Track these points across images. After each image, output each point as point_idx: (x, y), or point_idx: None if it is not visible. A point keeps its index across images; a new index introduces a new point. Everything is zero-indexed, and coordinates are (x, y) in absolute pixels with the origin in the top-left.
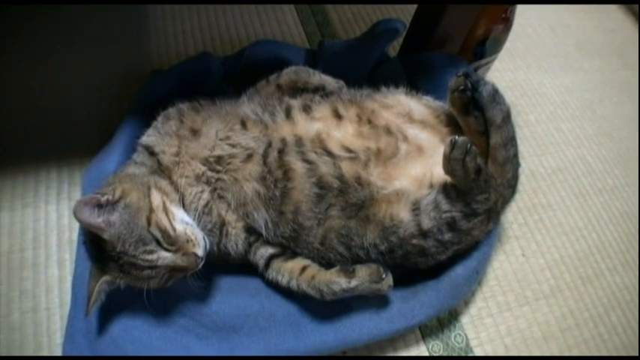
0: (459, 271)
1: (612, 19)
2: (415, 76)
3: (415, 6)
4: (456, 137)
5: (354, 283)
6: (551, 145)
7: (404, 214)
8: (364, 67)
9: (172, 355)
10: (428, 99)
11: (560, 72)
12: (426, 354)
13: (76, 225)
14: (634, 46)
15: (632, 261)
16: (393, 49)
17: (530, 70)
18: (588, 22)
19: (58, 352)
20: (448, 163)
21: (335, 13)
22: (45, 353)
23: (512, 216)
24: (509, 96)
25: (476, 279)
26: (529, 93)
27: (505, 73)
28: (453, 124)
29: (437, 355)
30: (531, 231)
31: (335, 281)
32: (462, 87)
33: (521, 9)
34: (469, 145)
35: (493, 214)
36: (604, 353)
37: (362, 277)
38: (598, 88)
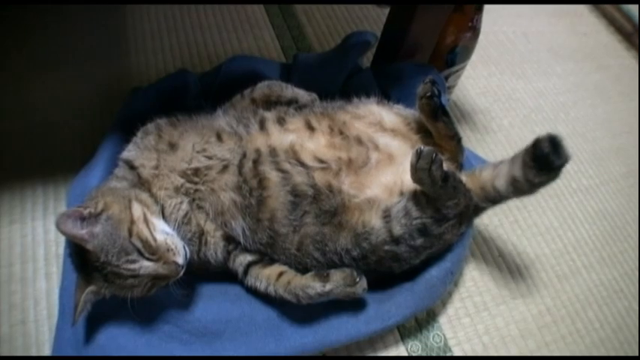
0: (434, 272)
1: (584, 23)
2: (387, 86)
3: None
4: (422, 147)
5: (328, 287)
6: None
7: (375, 221)
8: (337, 78)
9: None
10: (399, 107)
11: (534, 77)
12: (405, 354)
13: (62, 239)
14: (606, 49)
15: (608, 258)
16: (367, 59)
17: (504, 76)
18: (561, 27)
19: None
20: (415, 172)
21: (310, 27)
22: None
23: (488, 218)
24: (482, 102)
25: (451, 279)
26: (502, 98)
27: (479, 79)
28: (423, 131)
29: (416, 355)
30: (507, 232)
31: (310, 285)
32: (428, 93)
33: (493, 17)
34: (434, 155)
35: (465, 218)
36: (582, 348)
37: (336, 280)
38: (571, 92)
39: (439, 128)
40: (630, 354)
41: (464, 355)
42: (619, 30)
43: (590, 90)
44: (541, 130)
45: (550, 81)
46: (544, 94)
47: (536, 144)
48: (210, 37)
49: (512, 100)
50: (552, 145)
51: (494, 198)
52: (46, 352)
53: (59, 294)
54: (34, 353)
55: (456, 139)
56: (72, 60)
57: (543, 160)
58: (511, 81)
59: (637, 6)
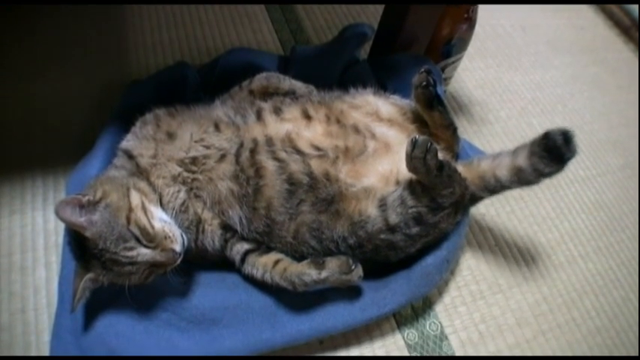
0: (430, 260)
1: (582, 17)
2: (383, 77)
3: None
4: (417, 136)
5: (324, 274)
6: (523, 140)
7: (371, 209)
8: (334, 70)
9: (155, 347)
10: (395, 97)
11: (531, 69)
12: (402, 342)
13: (62, 229)
14: (604, 42)
15: (604, 247)
16: (365, 51)
17: (501, 68)
18: (559, 20)
19: (46, 350)
20: (410, 161)
21: (308, 21)
22: (33, 351)
23: (485, 208)
24: (480, 94)
25: (447, 268)
26: (500, 90)
27: (476, 72)
28: (419, 121)
29: (412, 342)
30: (504, 222)
31: (306, 273)
32: (424, 83)
33: (491, 10)
34: (429, 144)
35: (460, 207)
36: (578, 337)
37: (332, 268)
38: (569, 84)
39: (435, 118)
40: (627, 342)
41: (460, 341)
42: (617, 24)
43: (588, 83)
44: (538, 122)
45: (547, 73)
46: (541, 86)
47: (549, 136)
48: (209, 32)
49: (509, 92)
50: (565, 139)
51: (494, 188)
52: (46, 339)
53: (58, 282)
54: (33, 341)
55: (452, 128)
56: (72, 55)
57: (555, 152)
58: (508, 73)
59: (636, 5)
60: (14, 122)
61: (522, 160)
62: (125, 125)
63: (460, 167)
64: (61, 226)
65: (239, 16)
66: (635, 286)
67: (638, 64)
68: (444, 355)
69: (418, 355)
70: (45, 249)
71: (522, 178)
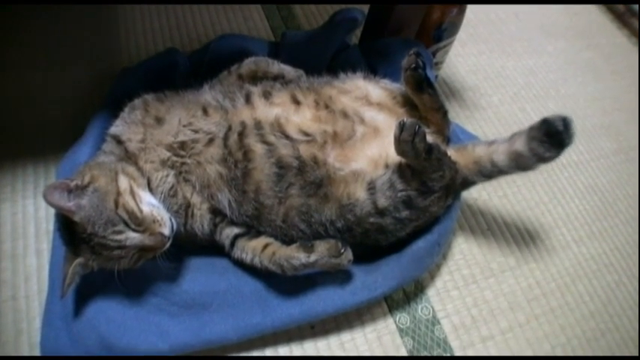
0: (421, 244)
1: (576, 2)
2: (374, 62)
3: None
4: (405, 119)
5: (313, 257)
6: (515, 125)
7: (360, 193)
8: (324, 55)
9: (146, 332)
10: (385, 82)
11: (524, 55)
12: (393, 326)
13: (52, 216)
14: (598, 28)
15: (598, 232)
16: (356, 37)
17: (494, 54)
18: (552, 6)
19: (37, 336)
20: (398, 144)
21: (300, 8)
22: (25, 338)
23: (477, 192)
24: (472, 79)
25: (438, 251)
26: (492, 76)
27: (468, 57)
28: (409, 105)
29: (403, 327)
30: (496, 206)
31: (294, 256)
32: (413, 65)
33: None
34: (417, 127)
35: (451, 190)
36: (571, 321)
37: (321, 251)
38: (562, 69)
39: (424, 100)
40: (620, 327)
41: (452, 325)
42: (611, 9)
43: (581, 68)
44: (531, 108)
45: (541, 59)
46: (534, 71)
47: (548, 122)
48: (200, 18)
49: (501, 77)
50: (564, 124)
51: (490, 173)
52: (37, 325)
53: (49, 269)
54: (24, 328)
55: (442, 111)
56: (62, 42)
57: (556, 137)
58: (501, 59)
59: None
60: (5, 111)
61: (521, 145)
62: (115, 112)
63: (453, 151)
64: (52, 213)
65: (230, 2)
66: (629, 270)
67: (639, 53)
68: (436, 338)
69: (410, 339)
70: (36, 236)
71: (520, 163)
